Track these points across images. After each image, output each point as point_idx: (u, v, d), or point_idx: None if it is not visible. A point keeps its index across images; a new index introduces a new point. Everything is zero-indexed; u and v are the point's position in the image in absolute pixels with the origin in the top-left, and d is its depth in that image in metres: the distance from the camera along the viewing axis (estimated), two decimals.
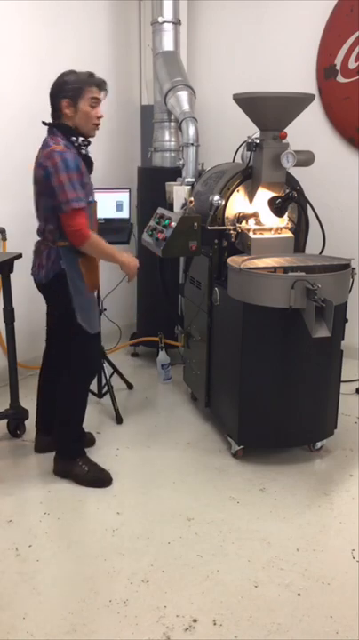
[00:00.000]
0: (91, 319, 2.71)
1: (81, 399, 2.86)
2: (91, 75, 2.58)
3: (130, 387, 3.85)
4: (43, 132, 2.61)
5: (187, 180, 3.54)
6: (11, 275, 3.01)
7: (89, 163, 2.63)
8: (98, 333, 2.85)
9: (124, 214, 3.59)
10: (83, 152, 2.59)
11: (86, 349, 2.78)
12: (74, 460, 2.82)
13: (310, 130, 3.90)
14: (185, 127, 3.64)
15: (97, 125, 2.62)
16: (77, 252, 2.57)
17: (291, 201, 3.03)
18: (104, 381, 3.56)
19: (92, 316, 2.73)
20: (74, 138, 2.56)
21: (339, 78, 4.03)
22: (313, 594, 2.13)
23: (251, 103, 2.98)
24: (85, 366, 2.85)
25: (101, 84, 2.58)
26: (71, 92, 2.52)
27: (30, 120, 3.13)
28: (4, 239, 3.67)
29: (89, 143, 2.63)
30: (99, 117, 2.60)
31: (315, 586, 2.17)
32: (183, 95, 3.77)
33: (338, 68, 4.02)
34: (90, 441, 3.09)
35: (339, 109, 4.09)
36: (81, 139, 2.58)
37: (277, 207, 3.01)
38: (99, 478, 2.79)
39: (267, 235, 3.05)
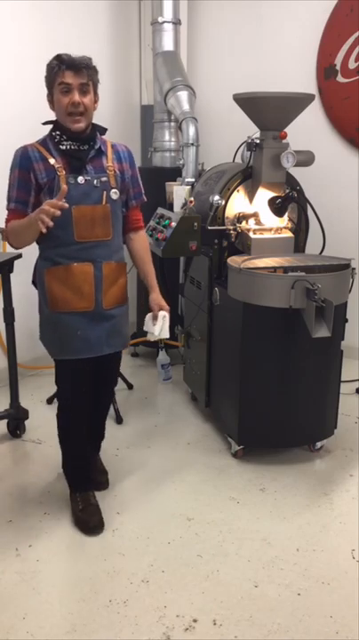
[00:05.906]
0: (52, 341, 2.39)
1: (61, 432, 2.55)
2: (58, 56, 2.17)
3: (130, 387, 3.85)
4: (44, 133, 2.60)
5: (187, 180, 3.54)
6: (11, 275, 3.01)
7: (73, 158, 2.26)
8: (78, 362, 2.37)
9: None
10: (63, 147, 2.25)
11: (58, 377, 2.48)
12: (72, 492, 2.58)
13: (310, 130, 3.90)
14: (185, 127, 3.64)
15: (71, 115, 2.19)
16: (47, 260, 2.33)
17: (291, 201, 3.03)
18: None
19: (54, 337, 2.38)
20: (54, 132, 2.29)
21: (339, 78, 4.03)
22: (313, 594, 2.13)
23: (251, 103, 2.98)
24: (59, 398, 2.55)
25: (70, 64, 2.13)
26: (47, 83, 2.21)
27: (31, 120, 3.11)
28: (4, 239, 3.67)
29: (74, 137, 2.25)
30: (71, 104, 2.16)
31: (315, 586, 2.17)
32: (183, 95, 3.78)
33: (338, 68, 4.02)
34: (101, 484, 2.73)
35: (339, 109, 4.09)
36: (57, 133, 2.27)
37: (277, 207, 3.01)
38: (85, 522, 2.44)
39: (267, 235, 3.05)
